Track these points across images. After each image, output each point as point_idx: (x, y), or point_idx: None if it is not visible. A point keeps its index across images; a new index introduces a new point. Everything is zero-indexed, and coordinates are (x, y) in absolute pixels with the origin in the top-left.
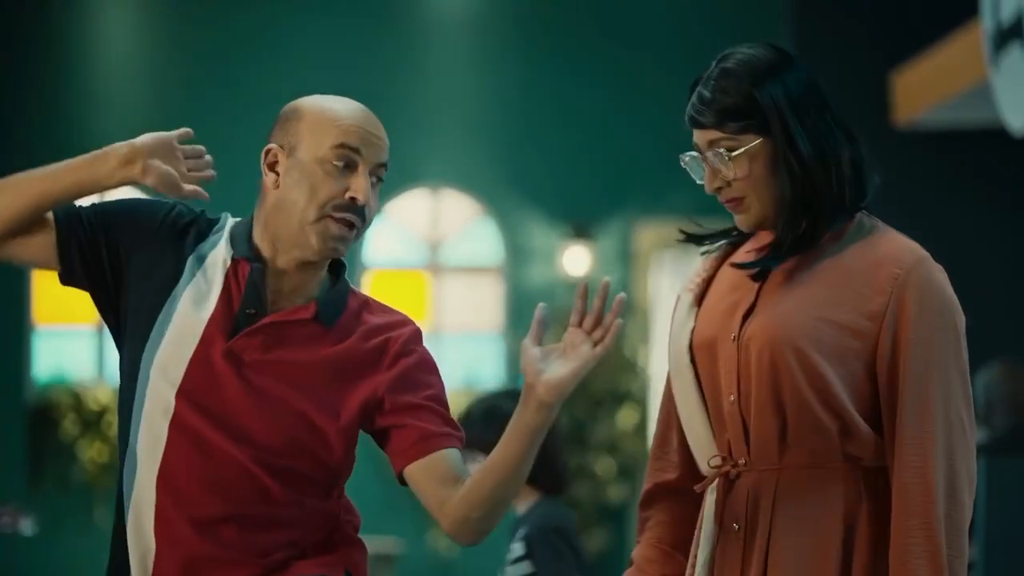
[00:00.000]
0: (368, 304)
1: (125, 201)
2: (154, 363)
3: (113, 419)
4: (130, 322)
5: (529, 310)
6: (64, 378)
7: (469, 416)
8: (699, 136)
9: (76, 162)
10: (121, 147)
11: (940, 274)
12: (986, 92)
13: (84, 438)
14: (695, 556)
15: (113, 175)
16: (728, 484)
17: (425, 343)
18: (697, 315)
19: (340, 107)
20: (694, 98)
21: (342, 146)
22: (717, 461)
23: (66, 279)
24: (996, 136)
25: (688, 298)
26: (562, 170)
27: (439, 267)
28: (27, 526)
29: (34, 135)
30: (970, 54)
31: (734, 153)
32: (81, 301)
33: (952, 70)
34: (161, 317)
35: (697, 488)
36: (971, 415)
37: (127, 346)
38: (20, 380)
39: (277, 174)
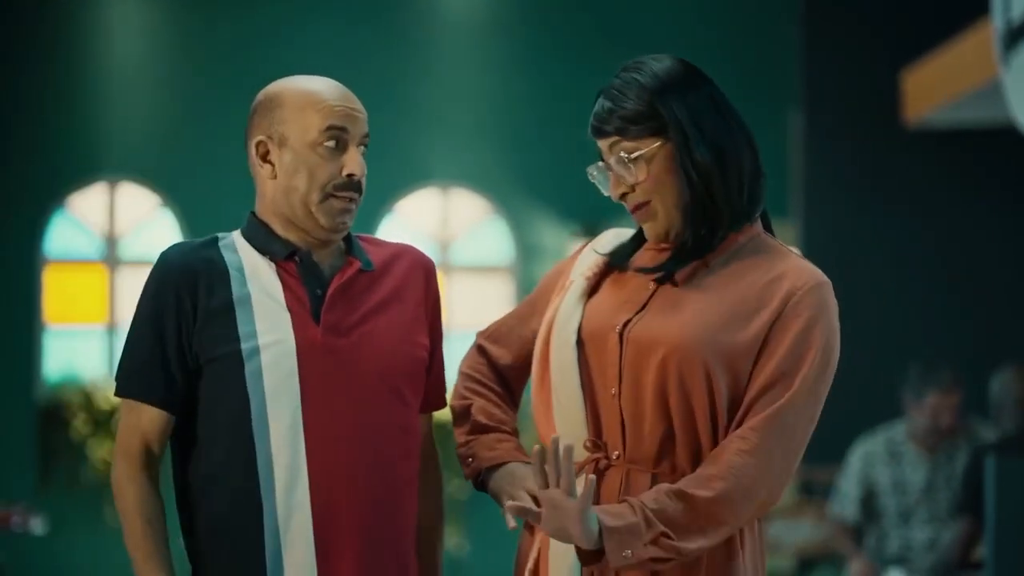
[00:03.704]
0: (363, 239)
1: (146, 317)
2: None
3: None
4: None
5: None
6: (74, 377)
7: None
8: (602, 145)
9: None
10: None
11: (833, 302)
12: (996, 91)
13: (94, 437)
14: (539, 548)
15: None
16: (598, 475)
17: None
18: (585, 307)
19: (317, 88)
20: (596, 108)
21: (330, 128)
22: (590, 446)
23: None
24: (1006, 135)
25: (581, 286)
26: (571, 169)
27: (449, 266)
28: (37, 525)
29: (37, 135)
30: (980, 53)
31: (634, 155)
32: (91, 300)
33: (962, 69)
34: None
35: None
36: (803, 442)
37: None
38: (30, 379)
39: (272, 165)
